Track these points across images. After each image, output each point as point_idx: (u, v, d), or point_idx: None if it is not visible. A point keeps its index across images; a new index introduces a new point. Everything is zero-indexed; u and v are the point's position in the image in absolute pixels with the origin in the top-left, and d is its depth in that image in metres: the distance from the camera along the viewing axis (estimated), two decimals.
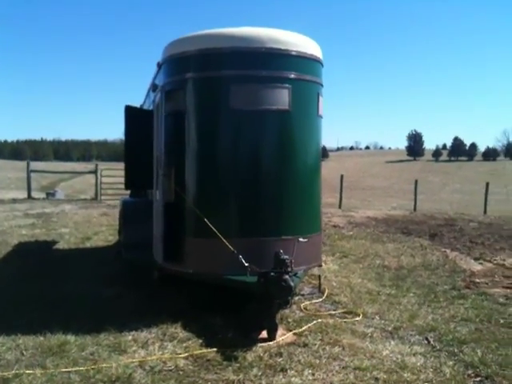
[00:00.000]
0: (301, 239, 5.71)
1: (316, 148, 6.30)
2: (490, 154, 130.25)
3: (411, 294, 6.99)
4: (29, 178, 23.13)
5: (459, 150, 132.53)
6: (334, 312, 6.16)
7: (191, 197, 5.88)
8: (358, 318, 5.93)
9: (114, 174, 28.13)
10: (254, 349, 5.00)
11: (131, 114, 7.97)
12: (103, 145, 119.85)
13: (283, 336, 5.32)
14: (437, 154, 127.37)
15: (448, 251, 10.86)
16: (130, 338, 5.29)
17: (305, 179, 6.14)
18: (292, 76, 5.90)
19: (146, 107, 8.62)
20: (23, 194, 23.44)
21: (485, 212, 21.55)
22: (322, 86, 6.25)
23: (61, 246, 10.58)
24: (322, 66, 6.27)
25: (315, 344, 5.13)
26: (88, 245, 10.71)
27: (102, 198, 23.27)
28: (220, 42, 5.80)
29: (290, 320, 5.82)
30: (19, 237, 11.39)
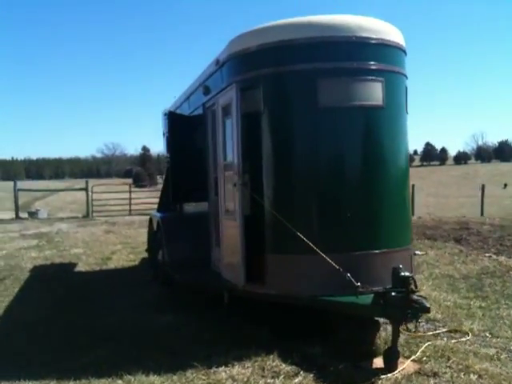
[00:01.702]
0: (418, 252, 5.00)
1: (407, 149, 5.63)
2: (461, 158, 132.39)
3: (505, 306, 6.35)
4: (16, 198, 21.94)
5: (431, 155, 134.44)
6: (437, 331, 5.47)
7: (274, 208, 5.12)
8: (468, 337, 5.26)
9: (103, 190, 27.47)
10: (379, 383, 4.27)
11: (176, 120, 7.22)
12: (75, 162, 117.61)
13: (401, 365, 4.59)
14: (410, 159, 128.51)
15: (494, 256, 10.33)
16: (224, 375, 4.51)
17: (401, 184, 5.46)
18: (384, 68, 5.23)
19: (184, 112, 7.82)
20: (7, 215, 22.20)
21: (482, 214, 21.28)
22: (407, 78, 5.59)
23: (81, 267, 9.67)
24: (406, 55, 5.61)
25: (446, 372, 4.43)
26: (112, 265, 9.81)
27: (94, 215, 22.17)
28: (304, 32, 5.10)
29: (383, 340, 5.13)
30: (31, 260, 10.42)
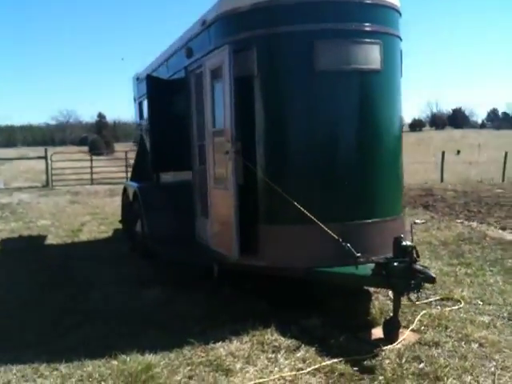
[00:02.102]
0: (417, 221, 4.91)
1: (401, 115, 5.47)
2: (416, 125, 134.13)
3: (489, 272, 6.40)
4: None
5: None
6: (429, 300, 5.44)
7: (268, 176, 4.91)
8: (461, 305, 5.25)
9: (62, 158, 26.55)
10: (383, 354, 4.19)
11: (155, 85, 6.85)
12: (28, 129, 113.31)
13: (401, 335, 4.53)
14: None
15: (466, 222, 10.47)
16: (222, 351, 4.34)
17: (397, 151, 5.33)
18: (381, 29, 5.03)
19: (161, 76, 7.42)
20: None
21: (441, 180, 21.63)
22: (401, 40, 5.40)
23: (52, 240, 9.27)
24: (401, 16, 5.40)
25: (447, 342, 4.38)
26: (83, 237, 9.44)
27: (54, 184, 21.45)
28: None
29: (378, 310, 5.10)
30: None
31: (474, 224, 10.18)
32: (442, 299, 5.48)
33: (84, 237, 9.46)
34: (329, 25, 4.83)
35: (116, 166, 25.90)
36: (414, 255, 4.31)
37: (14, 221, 11.43)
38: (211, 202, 5.59)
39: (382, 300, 5.47)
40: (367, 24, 4.91)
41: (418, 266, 4.26)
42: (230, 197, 5.06)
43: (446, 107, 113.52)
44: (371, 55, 4.95)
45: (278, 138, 5.00)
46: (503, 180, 20.89)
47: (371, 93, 5.05)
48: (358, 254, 4.46)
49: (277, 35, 4.90)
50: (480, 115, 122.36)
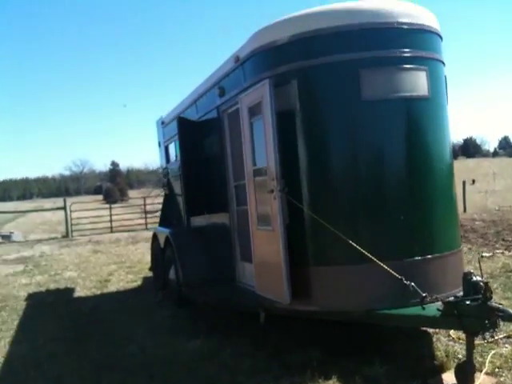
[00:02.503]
0: (485, 254, 4.55)
1: (450, 141, 5.19)
2: None
3: None
4: None
5: None
6: (496, 338, 5.02)
7: (318, 215, 4.61)
8: None
9: (81, 208, 26.50)
10: None
11: (187, 127, 6.67)
12: (43, 181, 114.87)
13: (477, 379, 4.13)
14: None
15: (506, 252, 10.02)
16: None
17: (449, 180, 5.03)
18: (427, 55, 4.81)
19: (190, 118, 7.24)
20: None
21: (464, 211, 21.08)
22: (445, 65, 5.18)
23: (81, 292, 8.97)
24: (442, 40, 5.19)
25: None
26: (112, 288, 9.13)
27: (74, 234, 21.30)
28: (341, 19, 4.64)
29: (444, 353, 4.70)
30: (23, 287, 9.68)
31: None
32: (508, 336, 5.08)
33: (113, 287, 9.15)
34: (373, 52, 4.61)
35: (133, 213, 25.80)
36: (488, 292, 3.95)
37: (39, 274, 11.18)
38: (255, 244, 5.28)
39: (444, 341, 5.08)
40: (412, 50, 4.70)
41: (493, 304, 3.90)
42: (277, 238, 4.76)
43: (457, 137, 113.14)
44: (418, 82, 4.72)
45: (325, 174, 4.74)
46: None
47: (420, 121, 4.79)
48: (425, 294, 4.10)
49: (318, 66, 4.69)
50: (491, 143, 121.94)
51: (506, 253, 10.02)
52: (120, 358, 5.39)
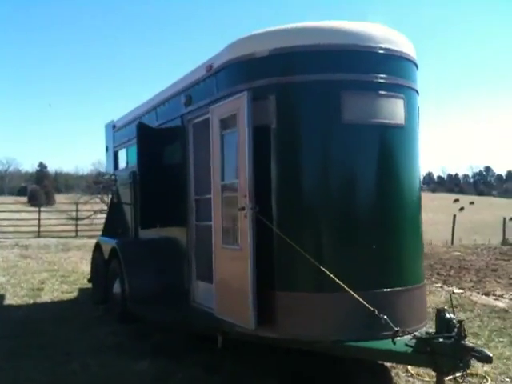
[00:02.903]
0: (456, 290, 4.49)
1: (420, 172, 5.16)
2: None
3: (500, 344, 6.00)
4: None
5: None
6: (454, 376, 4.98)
7: (288, 237, 4.43)
8: (488, 383, 4.83)
9: (5, 209, 25.12)
10: None
11: (146, 133, 6.34)
12: None
13: None
14: None
15: (445, 287, 10.08)
16: None
17: (418, 211, 4.98)
18: (405, 83, 4.78)
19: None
20: None
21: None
22: (418, 94, 5.16)
23: (11, 300, 8.33)
24: (417, 69, 5.18)
25: None
26: (46, 298, 8.52)
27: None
28: (328, 38, 4.53)
29: None
30: None
31: (456, 289, 9.83)
32: (466, 374, 5.04)
33: (47, 297, 8.54)
34: (355, 75, 4.52)
35: (60, 219, 24.73)
36: (462, 330, 3.88)
37: None
38: (218, 263, 5.02)
39: (403, 377, 4.98)
40: (392, 77, 4.65)
41: (468, 344, 3.83)
42: (244, 258, 4.53)
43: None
44: (396, 110, 4.67)
45: (297, 195, 4.57)
46: (452, 242, 21.13)
47: (396, 149, 4.73)
48: (397, 328, 3.99)
49: (299, 84, 4.54)
50: None
51: (445, 287, 10.14)
52: (61, 377, 4.96)
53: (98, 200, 26.43)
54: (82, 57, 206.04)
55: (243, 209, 4.54)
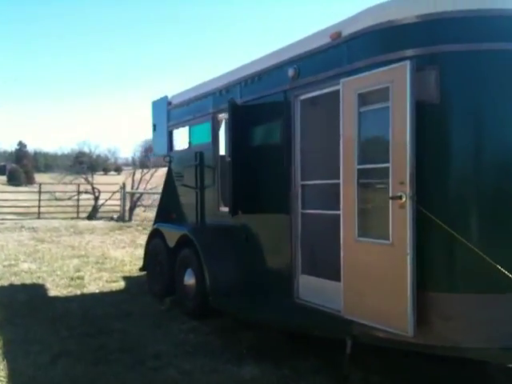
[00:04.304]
0: None
1: None
2: None
3: None
4: None
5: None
6: None
7: (453, 229, 3.83)
8: None
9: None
10: None
11: (239, 111, 5.69)
12: None
13: None
14: None
15: None
16: None
17: None
18: None
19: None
20: None
21: None
22: None
23: (56, 291, 7.59)
24: None
25: None
26: (92, 288, 7.78)
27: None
28: None
29: None
30: None
31: None
32: None
33: (93, 287, 7.80)
34: None
35: (49, 200, 23.63)
36: None
37: None
38: (350, 258, 4.39)
39: None
40: None
41: None
42: (399, 254, 3.91)
43: None
44: None
45: (471, 181, 3.95)
46: None
47: None
48: None
49: (476, 53, 3.91)
50: None
51: None
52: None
53: (82, 180, 25.64)
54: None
55: (400, 198, 3.92)
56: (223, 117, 6.52)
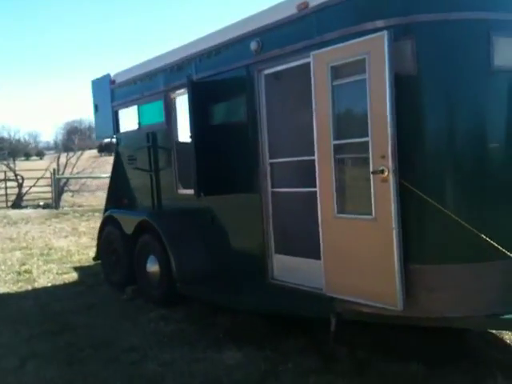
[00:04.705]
0: None
1: None
2: None
3: None
4: None
5: None
6: None
7: (435, 200, 3.83)
8: None
9: None
10: None
11: (199, 88, 5.45)
12: None
13: None
14: None
15: None
16: None
17: None
18: None
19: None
20: None
21: None
22: None
23: (5, 288, 7.08)
24: None
25: None
26: (44, 282, 7.33)
27: None
28: None
29: None
30: None
31: None
32: None
33: (43, 281, 7.37)
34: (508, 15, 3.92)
35: None
36: None
37: None
38: (330, 235, 4.31)
39: None
40: None
41: None
42: (383, 229, 3.88)
43: None
44: None
45: (448, 151, 3.94)
46: None
47: None
48: None
49: (445, 23, 3.86)
50: None
51: None
52: (149, 381, 4.14)
53: (4, 167, 24.14)
54: None
55: (382, 172, 3.87)
56: (177, 94, 6.25)
